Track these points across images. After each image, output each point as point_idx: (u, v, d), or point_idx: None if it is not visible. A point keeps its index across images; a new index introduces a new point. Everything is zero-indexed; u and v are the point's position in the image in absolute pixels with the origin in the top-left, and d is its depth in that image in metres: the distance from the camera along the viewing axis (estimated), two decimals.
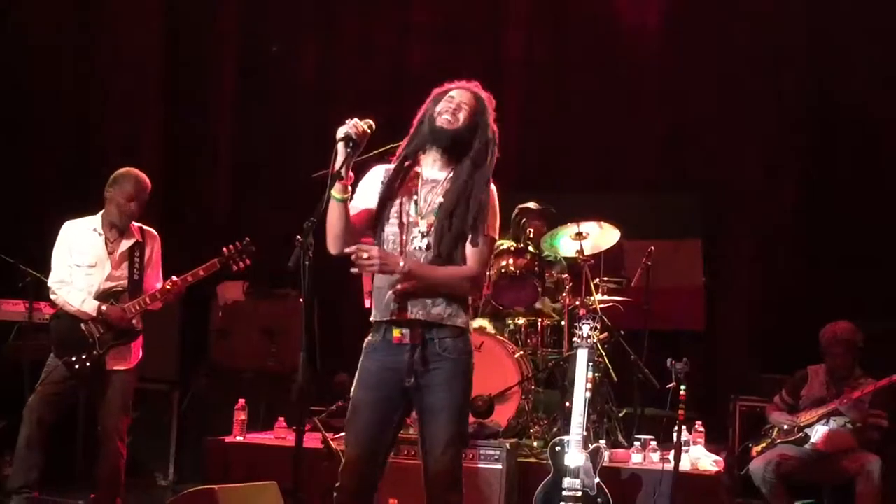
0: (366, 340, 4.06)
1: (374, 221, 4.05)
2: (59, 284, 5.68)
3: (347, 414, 4.05)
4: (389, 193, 4.06)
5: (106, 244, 5.74)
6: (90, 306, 5.63)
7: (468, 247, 4.00)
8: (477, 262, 4.01)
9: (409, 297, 3.94)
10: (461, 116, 4.09)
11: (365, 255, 3.84)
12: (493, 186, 4.15)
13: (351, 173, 3.97)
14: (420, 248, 4.00)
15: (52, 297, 5.73)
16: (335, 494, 4.00)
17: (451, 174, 4.08)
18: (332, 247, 3.92)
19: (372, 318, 4.05)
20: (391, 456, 4.10)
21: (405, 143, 4.12)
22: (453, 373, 3.97)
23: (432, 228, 3.99)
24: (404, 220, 4.02)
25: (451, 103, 4.10)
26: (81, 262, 5.70)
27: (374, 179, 4.11)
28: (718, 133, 8.88)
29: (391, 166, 4.11)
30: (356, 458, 3.98)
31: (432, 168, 4.10)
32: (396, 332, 3.97)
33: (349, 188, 3.96)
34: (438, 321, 3.95)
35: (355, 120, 3.99)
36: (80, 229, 5.76)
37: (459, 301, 4.02)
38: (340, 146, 3.91)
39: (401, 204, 4.04)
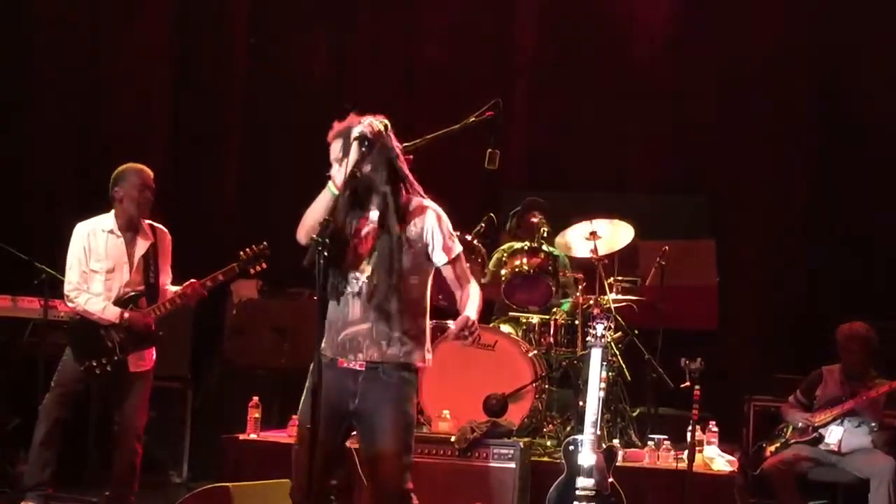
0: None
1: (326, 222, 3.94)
2: (77, 292, 5.66)
3: (297, 431, 4.13)
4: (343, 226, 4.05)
5: (125, 247, 5.74)
6: (112, 313, 5.63)
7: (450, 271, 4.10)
8: (469, 277, 4.16)
9: (365, 339, 3.99)
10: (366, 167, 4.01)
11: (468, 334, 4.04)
12: (431, 205, 4.13)
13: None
14: (360, 284, 4.01)
15: (70, 304, 5.70)
16: (290, 494, 4.07)
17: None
18: (303, 235, 3.93)
19: (321, 349, 4.01)
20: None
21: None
22: (398, 396, 4.02)
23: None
24: (355, 262, 4.03)
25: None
26: (99, 268, 5.68)
27: None
28: (729, 134, 8.87)
29: None
30: (304, 462, 3.98)
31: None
32: (342, 359, 4.02)
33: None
34: (394, 360, 4.01)
35: (370, 119, 4.00)
36: (95, 232, 5.73)
37: (419, 338, 4.07)
38: (355, 145, 3.92)
39: (353, 246, 4.05)
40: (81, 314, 5.65)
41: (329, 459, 4.05)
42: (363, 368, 4.00)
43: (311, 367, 3.88)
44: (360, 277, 4.01)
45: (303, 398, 4.06)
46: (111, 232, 5.73)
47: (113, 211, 5.79)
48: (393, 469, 3.99)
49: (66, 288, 5.70)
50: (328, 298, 4.03)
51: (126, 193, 5.72)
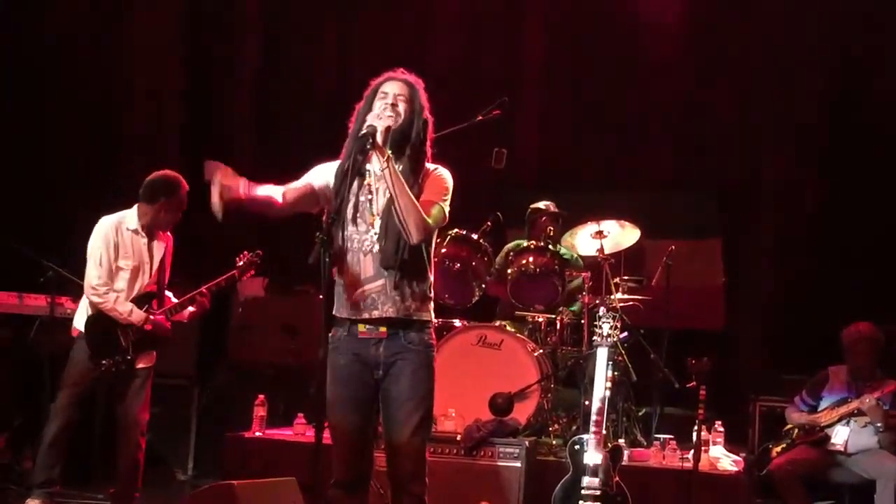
0: (330, 335, 4.06)
1: (332, 216, 3.93)
2: (106, 288, 5.62)
3: (327, 409, 4.07)
4: (345, 194, 3.98)
5: (147, 247, 5.76)
6: (138, 317, 5.64)
7: None
8: (429, 213, 3.96)
9: (380, 296, 3.96)
10: (401, 110, 4.08)
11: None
12: (440, 168, 4.14)
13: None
14: (373, 241, 4.00)
15: (97, 299, 5.62)
16: (329, 490, 4.03)
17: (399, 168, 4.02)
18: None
19: (335, 314, 4.05)
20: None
21: (348, 144, 4.08)
22: (418, 364, 4.01)
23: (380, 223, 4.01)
24: (366, 219, 4.02)
25: (387, 99, 4.09)
26: (125, 265, 5.69)
27: (329, 169, 4.12)
28: (738, 133, 8.86)
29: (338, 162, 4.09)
30: (345, 452, 4.02)
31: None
32: (362, 328, 4.00)
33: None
34: (407, 316, 3.98)
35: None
36: (120, 228, 5.72)
37: (425, 296, 4.05)
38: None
39: (356, 205, 4.04)
40: (102, 310, 5.63)
41: (367, 439, 4.05)
42: (385, 336, 3.98)
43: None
44: (372, 234, 4.00)
45: (328, 382, 4.04)
46: (135, 231, 5.74)
47: (136, 209, 5.78)
48: (413, 442, 3.99)
49: (95, 282, 5.61)
50: (335, 264, 4.01)
51: (166, 209, 5.74)
